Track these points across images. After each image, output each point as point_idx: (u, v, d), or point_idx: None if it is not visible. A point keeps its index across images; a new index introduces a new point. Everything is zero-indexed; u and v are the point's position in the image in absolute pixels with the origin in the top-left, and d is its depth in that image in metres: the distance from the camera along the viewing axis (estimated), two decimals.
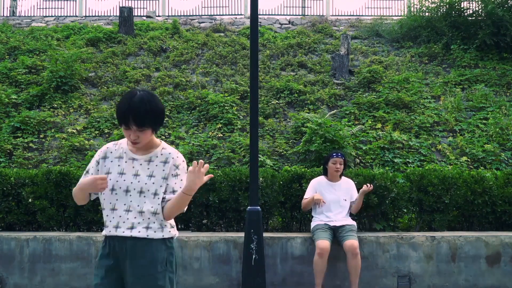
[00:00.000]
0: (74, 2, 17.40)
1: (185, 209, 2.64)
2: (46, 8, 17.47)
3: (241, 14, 17.01)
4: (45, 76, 11.05)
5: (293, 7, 17.65)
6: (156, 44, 13.56)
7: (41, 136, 9.45)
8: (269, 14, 17.12)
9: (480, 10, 13.45)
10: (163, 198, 2.57)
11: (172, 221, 2.67)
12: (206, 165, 2.48)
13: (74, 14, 17.25)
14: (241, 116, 10.16)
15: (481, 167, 8.40)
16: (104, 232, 2.62)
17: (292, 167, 7.08)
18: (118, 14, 15.40)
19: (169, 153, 2.62)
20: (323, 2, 17.42)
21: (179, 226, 6.12)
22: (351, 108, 10.45)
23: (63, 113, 10.27)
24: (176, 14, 17.20)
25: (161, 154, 2.62)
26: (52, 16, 17.20)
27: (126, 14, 14.18)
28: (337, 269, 5.43)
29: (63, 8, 17.40)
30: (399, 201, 5.93)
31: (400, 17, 15.36)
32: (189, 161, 8.50)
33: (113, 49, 13.14)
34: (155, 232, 2.55)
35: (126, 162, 2.61)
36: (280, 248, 5.50)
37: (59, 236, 5.56)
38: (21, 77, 11.34)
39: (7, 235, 5.61)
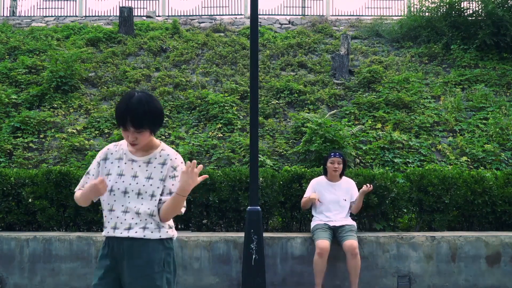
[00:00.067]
0: (74, 2, 17.40)
1: (183, 210, 2.63)
2: (46, 8, 17.49)
3: (241, 14, 17.01)
4: (45, 76, 11.06)
5: (293, 7, 17.65)
6: (156, 44, 13.56)
7: (41, 136, 9.45)
8: (269, 14, 17.12)
9: (480, 10, 13.45)
10: (160, 199, 2.57)
11: (171, 222, 2.66)
12: (200, 166, 2.48)
13: (74, 14, 17.25)
14: (241, 116, 10.16)
15: (481, 167, 8.40)
16: (103, 233, 2.63)
17: (292, 167, 7.08)
18: (118, 14, 15.40)
19: (168, 155, 2.62)
20: (323, 2, 17.43)
21: (179, 226, 6.12)
22: (351, 108, 10.46)
23: (63, 113, 10.27)
24: (176, 14, 17.20)
25: (160, 156, 2.62)
26: (52, 16, 17.20)
27: (126, 14, 14.18)
28: (337, 269, 5.43)
29: (63, 8, 17.41)
30: (399, 201, 5.93)
31: (400, 17, 15.36)
32: (189, 161, 8.49)
33: (113, 49, 13.14)
34: (152, 232, 2.55)
35: (125, 163, 2.62)
36: (280, 248, 5.50)
37: (59, 236, 5.56)
38: (21, 77, 11.34)
39: (7, 235, 5.61)
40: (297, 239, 5.53)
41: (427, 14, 14.14)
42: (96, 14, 17.31)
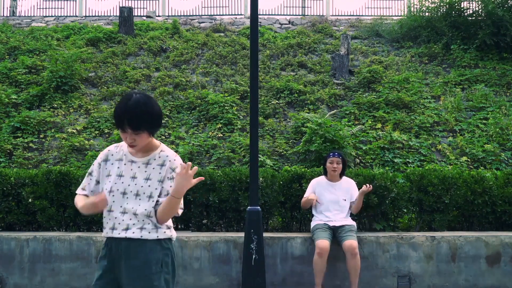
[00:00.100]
0: (74, 2, 17.40)
1: (180, 212, 2.62)
2: (46, 8, 17.49)
3: (241, 14, 17.01)
4: (45, 76, 11.06)
5: (293, 7, 17.65)
6: (156, 44, 13.56)
7: (41, 136, 9.45)
8: (269, 14, 17.12)
9: (480, 10, 13.46)
10: (157, 201, 2.57)
11: (169, 222, 2.66)
12: (195, 167, 2.46)
13: (74, 14, 17.26)
14: (241, 116, 10.16)
15: (481, 167, 8.40)
16: (103, 234, 2.64)
17: (292, 167, 7.08)
18: (118, 14, 15.40)
19: (167, 156, 2.62)
20: (323, 2, 17.43)
21: (179, 226, 6.12)
22: (351, 108, 10.46)
23: (63, 113, 10.27)
24: (176, 14, 17.20)
25: (159, 157, 2.62)
26: (52, 16, 17.20)
27: (126, 14, 14.18)
28: (337, 269, 5.43)
29: (63, 8, 17.42)
30: (399, 201, 5.93)
31: (400, 17, 15.36)
32: (189, 161, 8.49)
33: (113, 49, 13.14)
34: (149, 233, 2.55)
35: (125, 164, 2.63)
36: (280, 248, 5.50)
37: (59, 236, 5.56)
38: (21, 77, 11.35)
39: (7, 235, 5.61)
40: (297, 239, 5.53)
41: (427, 14, 14.14)
42: (96, 14, 17.31)
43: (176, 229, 6.07)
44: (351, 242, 5.12)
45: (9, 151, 8.82)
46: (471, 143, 9.19)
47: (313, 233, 5.35)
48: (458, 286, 5.57)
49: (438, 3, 13.83)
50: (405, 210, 6.21)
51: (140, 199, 2.56)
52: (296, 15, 17.24)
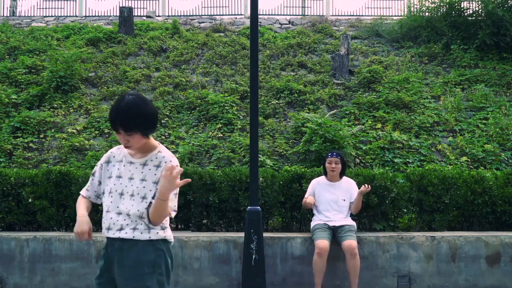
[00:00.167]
0: (74, 2, 17.40)
1: (174, 214, 2.62)
2: (46, 8, 17.49)
3: (241, 14, 17.01)
4: (45, 76, 11.06)
5: (293, 7, 17.65)
6: (156, 44, 13.56)
7: (41, 136, 9.45)
8: (269, 14, 17.12)
9: (480, 10, 13.46)
10: (151, 202, 2.57)
11: (165, 223, 2.66)
12: (180, 169, 2.44)
13: (74, 14, 17.26)
14: (241, 116, 10.16)
15: (481, 167, 8.40)
16: (102, 234, 2.67)
17: (292, 167, 7.08)
18: (118, 14, 15.40)
19: (163, 157, 2.62)
20: (323, 2, 17.43)
21: (179, 226, 6.12)
22: (351, 108, 10.46)
23: (63, 113, 10.27)
24: (176, 14, 17.20)
25: (156, 158, 2.63)
26: (52, 16, 17.20)
27: (126, 14, 14.18)
28: (336, 269, 5.43)
29: (63, 8, 17.42)
30: (399, 201, 5.93)
31: (400, 17, 15.36)
32: (189, 161, 8.50)
33: (113, 49, 13.14)
34: (141, 233, 2.56)
35: (124, 166, 2.66)
36: (280, 248, 5.50)
37: (59, 236, 5.56)
38: (21, 77, 11.35)
39: (7, 235, 5.60)
40: (297, 239, 5.53)
41: (427, 14, 14.14)
42: (96, 14, 17.32)
43: (176, 229, 6.07)
44: (350, 242, 5.12)
45: (9, 151, 8.82)
46: (471, 143, 9.19)
47: (313, 233, 5.35)
48: (458, 286, 5.57)
49: (438, 3, 13.83)
50: (405, 210, 6.21)
51: (134, 200, 2.57)
52: (296, 15, 17.24)
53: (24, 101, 10.47)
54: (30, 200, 5.83)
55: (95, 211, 5.75)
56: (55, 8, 17.42)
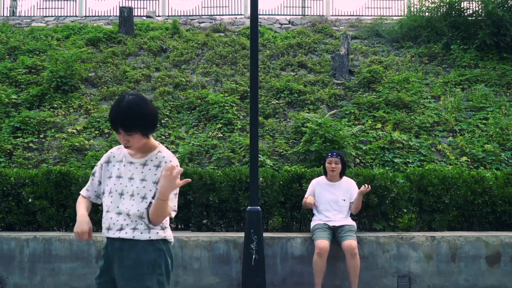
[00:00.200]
0: (74, 2, 17.40)
1: (174, 214, 2.62)
2: (46, 8, 17.49)
3: (241, 14, 17.01)
4: (45, 76, 11.06)
5: (293, 7, 17.65)
6: (156, 44, 13.56)
7: (41, 136, 9.45)
8: (269, 14, 17.12)
9: (480, 10, 13.46)
10: (151, 202, 2.57)
11: (165, 223, 2.66)
12: (180, 169, 2.44)
13: (74, 14, 17.26)
14: (241, 116, 10.16)
15: (481, 167, 8.40)
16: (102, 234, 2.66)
17: (292, 167, 7.08)
18: (118, 14, 15.40)
19: (163, 157, 2.62)
20: (323, 2, 17.43)
21: (179, 226, 6.12)
22: (351, 108, 10.46)
23: (63, 113, 10.27)
24: (176, 14, 17.20)
25: (156, 158, 2.63)
26: (52, 16, 17.20)
27: (126, 14, 14.18)
28: (337, 269, 5.43)
29: (63, 8, 17.42)
30: (399, 201, 5.93)
31: (400, 17, 15.36)
32: (189, 161, 8.50)
33: (113, 49, 13.14)
34: (141, 233, 2.56)
35: (124, 166, 2.65)
36: (280, 248, 5.50)
37: (59, 236, 5.56)
38: (21, 77, 11.35)
39: (7, 235, 5.60)
40: (297, 239, 5.53)
41: (427, 14, 14.14)
42: (96, 14, 17.31)
43: (176, 229, 6.07)
44: (350, 242, 5.12)
45: (9, 151, 8.82)
46: (471, 143, 9.19)
47: (312, 233, 5.35)
48: (458, 286, 5.57)
49: (438, 3, 13.83)
50: (405, 210, 6.21)
51: (134, 200, 2.57)
52: (296, 15, 17.24)
53: (24, 101, 10.47)
54: (30, 200, 5.83)
55: (95, 211, 5.76)
56: (55, 8, 17.43)
